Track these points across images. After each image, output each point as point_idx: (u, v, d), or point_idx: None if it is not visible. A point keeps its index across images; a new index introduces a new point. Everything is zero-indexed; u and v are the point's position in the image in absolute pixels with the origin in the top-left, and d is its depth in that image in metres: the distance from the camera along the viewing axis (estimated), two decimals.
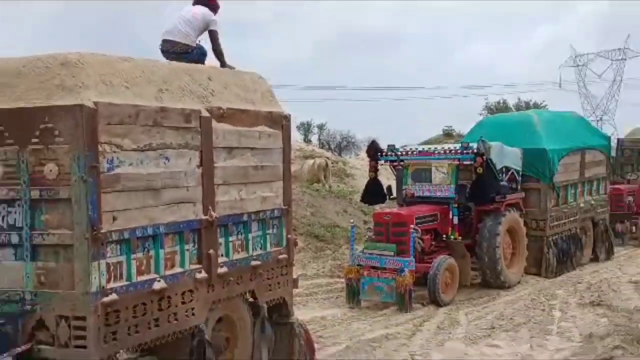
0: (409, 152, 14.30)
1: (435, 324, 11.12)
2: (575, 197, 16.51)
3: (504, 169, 14.27)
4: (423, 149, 14.76)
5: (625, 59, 72.23)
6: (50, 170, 5.95)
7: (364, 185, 15.24)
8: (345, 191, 23.93)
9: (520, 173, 14.92)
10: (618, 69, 72.32)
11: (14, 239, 6.09)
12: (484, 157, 13.24)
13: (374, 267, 12.55)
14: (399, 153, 14.24)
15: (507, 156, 14.39)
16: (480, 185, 13.36)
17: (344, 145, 58.36)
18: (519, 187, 14.79)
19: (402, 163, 14.21)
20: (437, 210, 13.60)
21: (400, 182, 14.24)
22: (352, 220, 15.02)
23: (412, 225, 12.61)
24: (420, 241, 12.71)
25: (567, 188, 16.14)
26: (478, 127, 16.89)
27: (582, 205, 16.78)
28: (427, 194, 13.99)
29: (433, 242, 13.40)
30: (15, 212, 6.12)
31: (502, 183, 14.00)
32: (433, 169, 13.95)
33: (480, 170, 13.29)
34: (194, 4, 8.71)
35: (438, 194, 13.86)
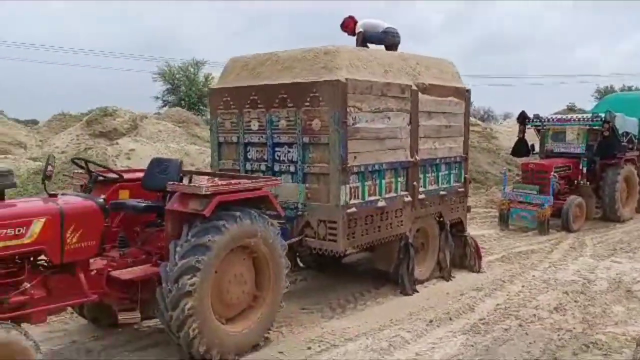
0: (551, 120, 13.28)
1: (568, 245, 10.34)
2: None
3: (624, 134, 12.84)
4: (561, 117, 13.62)
5: None
6: (316, 124, 6.08)
7: (506, 144, 14.30)
8: (493, 148, 22.75)
9: (637, 137, 13.34)
10: None
11: (292, 168, 6.34)
12: (610, 123, 12.03)
13: (520, 202, 11.86)
14: (543, 120, 13.24)
15: (627, 124, 12.93)
16: (606, 145, 12.18)
17: (485, 117, 56.00)
18: (635, 148, 13.26)
19: (544, 127, 13.22)
20: (570, 162, 12.57)
21: (542, 142, 13.29)
22: (504, 168, 14.26)
23: (552, 172, 11.78)
24: (557, 184, 11.84)
25: None
26: (603, 102, 15.30)
27: None
28: (562, 150, 12.95)
29: (566, 186, 12.42)
30: (293, 152, 6.35)
31: (622, 144, 12.63)
32: (568, 131, 12.87)
33: (606, 133, 12.11)
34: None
35: (571, 150, 12.79)
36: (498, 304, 6.47)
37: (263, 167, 6.58)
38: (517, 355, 4.89)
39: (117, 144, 12.29)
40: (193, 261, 4.57)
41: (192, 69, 41.94)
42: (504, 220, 11.99)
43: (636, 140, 13.32)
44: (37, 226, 4.13)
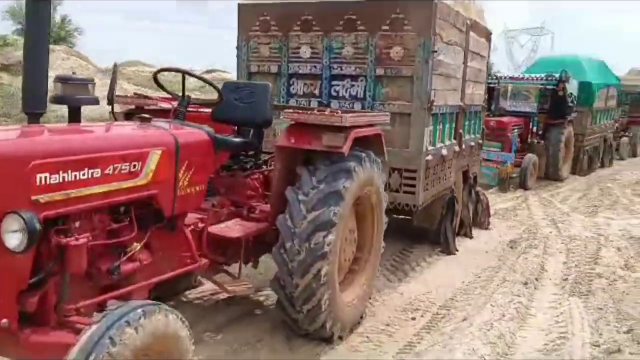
0: (504, 78, 13.45)
1: (536, 202, 10.57)
2: (600, 120, 15.72)
3: (570, 94, 13.38)
4: (513, 75, 13.88)
5: (540, 35, 67.86)
6: (396, 53, 5.21)
7: None
8: None
9: (576, 100, 13.98)
10: (535, 41, 68.05)
11: (356, 106, 5.41)
12: (564, 83, 12.46)
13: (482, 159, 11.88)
14: (499, 78, 13.39)
15: (572, 85, 13.50)
16: (560, 105, 12.66)
17: None
18: (574, 110, 13.92)
19: (499, 86, 13.35)
20: (523, 121, 12.86)
21: (497, 100, 13.41)
22: None
23: (512, 130, 11.95)
24: (517, 142, 12.06)
25: (598, 113, 15.30)
26: (537, 64, 15.90)
27: (602, 126, 15.99)
28: (514, 109, 13.17)
29: (519, 144, 12.72)
30: (358, 86, 5.42)
31: (569, 105, 13.18)
32: (521, 90, 13.14)
33: (561, 93, 12.54)
34: None
35: (523, 109, 13.06)
36: (565, 262, 6.21)
37: (314, 104, 5.55)
38: None
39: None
40: (330, 214, 3.58)
41: None
42: None
43: (576, 102, 13.96)
44: (153, 161, 2.88)
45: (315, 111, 3.95)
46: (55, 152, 2.38)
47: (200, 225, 3.51)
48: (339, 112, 3.85)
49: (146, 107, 4.25)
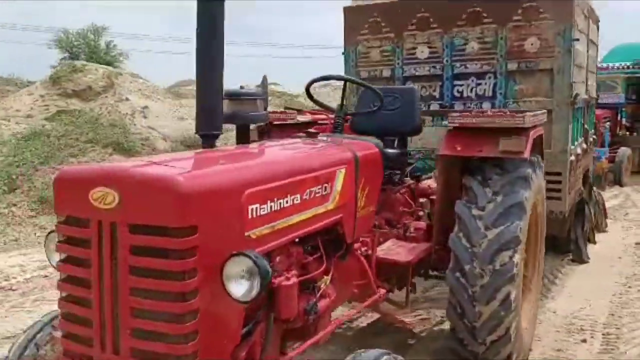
0: None
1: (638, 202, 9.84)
2: None
3: None
4: (600, 65, 13.10)
5: None
6: (531, 45, 4.73)
7: None
8: None
9: None
10: None
11: (485, 106, 4.93)
12: None
13: None
14: None
15: None
16: None
17: None
18: None
19: None
20: (609, 113, 12.10)
21: None
22: None
23: (604, 123, 11.21)
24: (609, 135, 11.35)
25: None
26: (613, 53, 15.01)
27: None
28: (599, 100, 12.38)
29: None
30: (487, 84, 4.94)
31: None
32: (605, 80, 12.37)
33: None
34: None
35: (609, 100, 12.28)
36: None
37: (435, 107, 5.11)
38: None
39: (127, 99, 10.03)
40: (516, 229, 3.12)
41: (91, 36, 38.40)
42: None
43: None
44: (339, 181, 2.50)
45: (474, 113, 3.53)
46: (263, 179, 2.01)
47: (365, 249, 3.10)
48: (508, 112, 3.40)
49: (276, 122, 3.93)
